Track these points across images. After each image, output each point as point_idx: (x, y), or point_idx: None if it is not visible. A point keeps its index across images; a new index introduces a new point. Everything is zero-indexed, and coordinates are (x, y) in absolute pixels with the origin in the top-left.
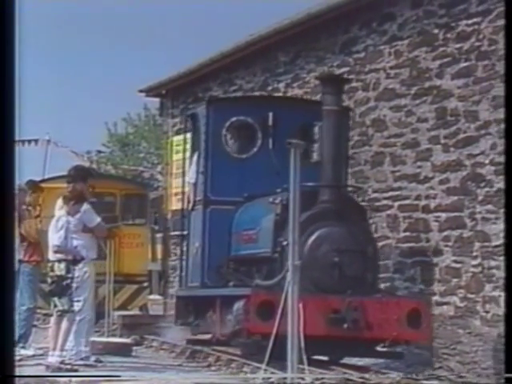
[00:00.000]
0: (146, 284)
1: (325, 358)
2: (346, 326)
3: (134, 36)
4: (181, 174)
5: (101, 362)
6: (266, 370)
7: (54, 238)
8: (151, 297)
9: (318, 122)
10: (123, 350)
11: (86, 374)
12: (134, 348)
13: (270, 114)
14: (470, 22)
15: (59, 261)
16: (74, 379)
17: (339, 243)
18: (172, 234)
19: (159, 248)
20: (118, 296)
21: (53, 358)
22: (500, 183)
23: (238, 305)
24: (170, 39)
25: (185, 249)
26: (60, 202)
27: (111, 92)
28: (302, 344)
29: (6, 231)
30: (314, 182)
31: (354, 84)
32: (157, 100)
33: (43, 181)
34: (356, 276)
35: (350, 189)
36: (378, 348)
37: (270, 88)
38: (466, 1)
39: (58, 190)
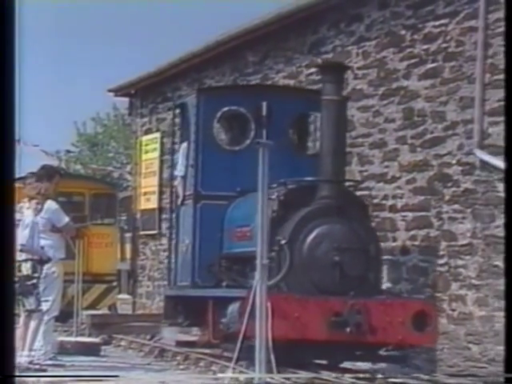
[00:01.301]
0: (114, 283)
1: (324, 362)
2: (348, 329)
3: (103, 35)
4: (150, 174)
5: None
6: (234, 368)
7: (19, 237)
8: (120, 296)
9: (315, 113)
10: (92, 350)
11: (86, 374)
12: (103, 347)
13: (264, 104)
14: (437, 23)
15: (25, 260)
16: (42, 379)
17: (340, 241)
18: (141, 233)
19: (128, 247)
20: (87, 295)
21: (21, 359)
22: (467, 183)
23: (233, 307)
24: (139, 39)
25: (173, 246)
26: (27, 201)
27: (80, 91)
28: (270, 344)
29: (6, 231)
30: (310, 175)
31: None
32: (126, 100)
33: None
34: (358, 276)
35: (348, 183)
36: (381, 352)
37: None
38: (433, 2)
39: (26, 190)
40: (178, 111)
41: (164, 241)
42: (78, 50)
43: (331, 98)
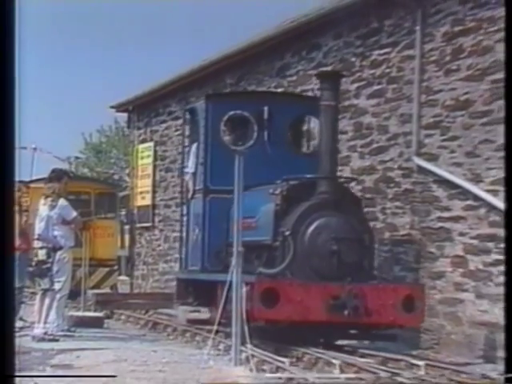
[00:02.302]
0: (115, 267)
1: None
2: (346, 312)
3: (103, 60)
4: (145, 176)
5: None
6: (214, 338)
7: (36, 228)
8: (120, 278)
9: (309, 116)
10: (96, 323)
11: (89, 374)
12: (106, 321)
13: (266, 108)
14: (381, 51)
15: (41, 248)
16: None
17: (337, 232)
18: (138, 225)
19: (127, 237)
20: (93, 277)
21: (38, 330)
22: (406, 184)
23: (241, 291)
24: (133, 63)
25: (184, 234)
26: (42, 198)
27: (87, 107)
28: (244, 318)
29: (7, 230)
30: (306, 171)
31: None
32: (125, 115)
33: (31, 181)
34: (354, 263)
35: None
36: (373, 331)
37: None
38: (378, 33)
39: (42, 189)
40: (188, 114)
41: (156, 232)
42: (85, 73)
43: (329, 103)
